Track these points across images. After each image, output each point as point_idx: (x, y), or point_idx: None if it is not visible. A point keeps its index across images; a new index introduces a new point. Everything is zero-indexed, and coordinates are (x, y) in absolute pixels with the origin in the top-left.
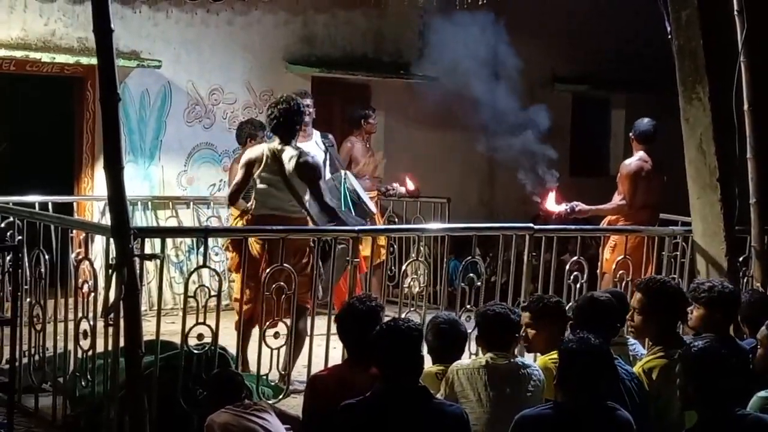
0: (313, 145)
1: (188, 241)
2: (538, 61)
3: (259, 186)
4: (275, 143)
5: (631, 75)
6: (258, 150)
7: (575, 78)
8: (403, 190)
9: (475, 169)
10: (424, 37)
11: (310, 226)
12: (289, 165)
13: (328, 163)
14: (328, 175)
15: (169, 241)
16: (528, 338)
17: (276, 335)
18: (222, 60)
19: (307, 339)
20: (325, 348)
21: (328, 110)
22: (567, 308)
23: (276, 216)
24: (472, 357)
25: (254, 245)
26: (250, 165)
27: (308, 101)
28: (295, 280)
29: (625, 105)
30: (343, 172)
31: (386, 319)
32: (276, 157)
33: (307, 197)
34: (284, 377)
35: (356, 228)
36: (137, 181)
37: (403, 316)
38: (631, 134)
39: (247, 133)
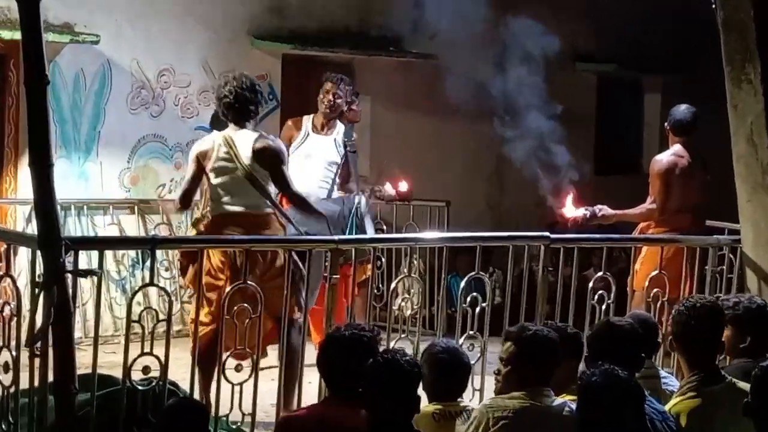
0: (329, 143)
1: (132, 253)
2: (557, 35)
3: (214, 182)
4: (228, 129)
5: (668, 52)
6: (208, 140)
7: (600, 56)
8: (393, 191)
9: (480, 167)
10: (419, 6)
11: (278, 228)
12: (245, 151)
13: (338, 169)
14: (336, 193)
15: (108, 253)
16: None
17: (238, 368)
18: (174, 34)
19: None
20: (298, 383)
21: (302, 95)
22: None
23: (237, 216)
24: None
25: (215, 253)
26: (200, 159)
27: (337, 90)
28: (260, 295)
29: (660, 88)
30: (357, 198)
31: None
32: (229, 144)
33: (272, 189)
34: (251, 417)
35: (335, 238)
36: (70, 181)
37: (392, 344)
38: (666, 124)
39: (224, 124)
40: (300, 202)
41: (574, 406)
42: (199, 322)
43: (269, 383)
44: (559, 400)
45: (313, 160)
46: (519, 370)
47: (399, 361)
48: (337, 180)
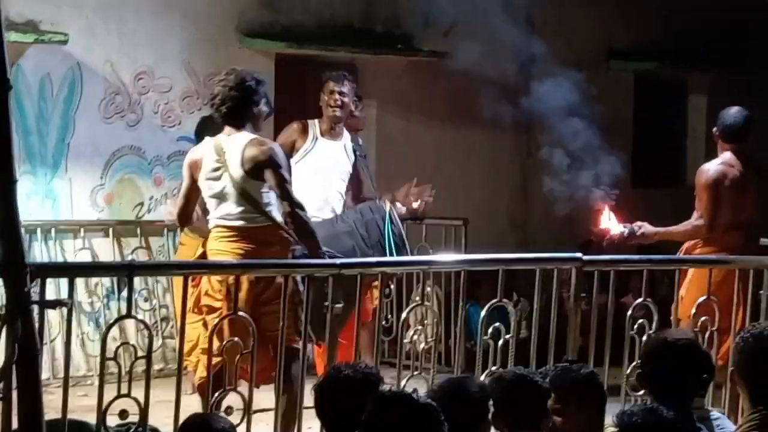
0: (340, 150)
1: (107, 282)
2: (589, 30)
3: (206, 194)
4: (221, 134)
5: (716, 48)
6: (200, 148)
7: (639, 52)
8: (403, 209)
9: (502, 180)
10: None
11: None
12: (234, 159)
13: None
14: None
15: (80, 282)
16: (555, 428)
17: (228, 410)
18: (152, 32)
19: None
20: (297, 429)
21: (298, 100)
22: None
23: (231, 231)
24: None
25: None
26: (192, 169)
27: (342, 87)
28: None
29: (707, 89)
30: (387, 204)
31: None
32: (219, 152)
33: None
34: None
35: (337, 262)
36: (36, 200)
37: (404, 382)
38: (714, 129)
39: (210, 134)
40: (298, 218)
41: None
42: (201, 350)
43: (263, 428)
44: None
45: (326, 173)
46: (504, 414)
47: (410, 399)
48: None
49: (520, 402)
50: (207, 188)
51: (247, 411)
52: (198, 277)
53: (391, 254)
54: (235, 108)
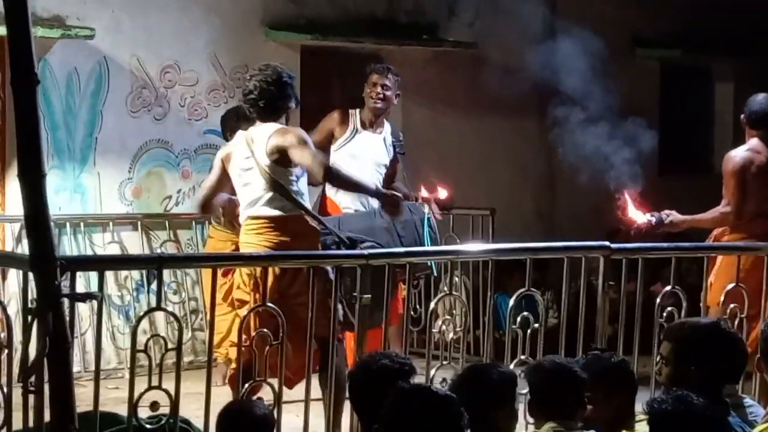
0: (379, 142)
1: (136, 275)
2: (614, 18)
3: (237, 186)
4: (252, 127)
5: (742, 35)
6: (233, 141)
7: (664, 40)
8: (430, 198)
9: (528, 170)
10: None
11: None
12: (261, 149)
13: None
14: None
15: (109, 275)
16: (586, 416)
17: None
18: (177, 26)
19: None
20: (303, 419)
21: (324, 91)
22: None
23: (261, 221)
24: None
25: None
26: (224, 162)
27: (386, 81)
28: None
29: (733, 76)
30: (426, 207)
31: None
32: (249, 143)
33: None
34: None
35: (365, 252)
36: (65, 195)
37: (433, 372)
38: (742, 116)
39: (231, 126)
40: (335, 179)
41: None
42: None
43: (293, 419)
44: None
45: (362, 160)
46: (542, 402)
47: (429, 391)
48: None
49: (557, 391)
50: (238, 179)
51: (278, 402)
52: (230, 270)
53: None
54: (271, 103)
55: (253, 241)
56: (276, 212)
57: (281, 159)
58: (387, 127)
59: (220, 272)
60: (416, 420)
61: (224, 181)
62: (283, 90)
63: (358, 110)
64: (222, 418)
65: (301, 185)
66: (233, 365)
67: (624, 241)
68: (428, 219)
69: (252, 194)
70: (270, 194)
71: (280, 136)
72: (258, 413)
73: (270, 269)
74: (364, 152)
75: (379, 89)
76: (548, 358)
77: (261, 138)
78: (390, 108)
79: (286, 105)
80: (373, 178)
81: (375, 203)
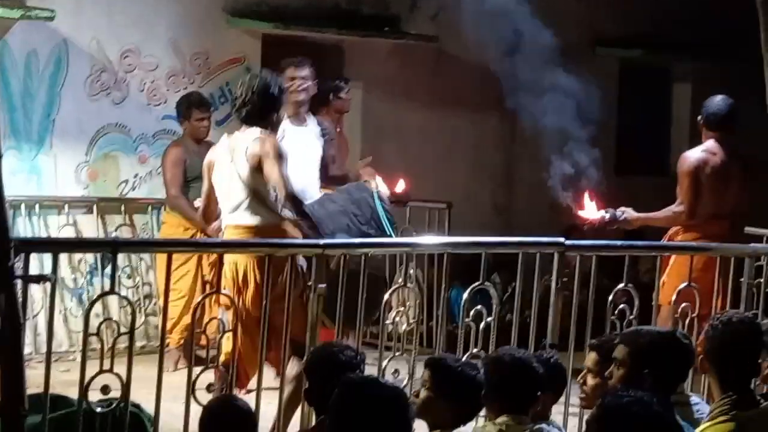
0: (309, 135)
1: (90, 258)
2: (575, 16)
3: (217, 192)
4: (237, 132)
5: (701, 37)
6: (217, 148)
7: (624, 40)
8: (387, 192)
9: (486, 165)
10: None
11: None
12: (240, 157)
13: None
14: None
15: (63, 258)
16: (587, 389)
17: (210, 388)
18: (139, 11)
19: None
20: (277, 407)
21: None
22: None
23: (240, 230)
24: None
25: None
26: (208, 169)
27: (303, 72)
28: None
29: (692, 77)
30: (372, 183)
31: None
32: (230, 150)
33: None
34: None
35: (321, 242)
36: (21, 176)
37: (385, 363)
38: (699, 117)
39: (181, 112)
40: (295, 203)
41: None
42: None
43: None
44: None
45: (295, 155)
46: (498, 395)
47: (377, 383)
48: None
49: (515, 385)
50: (219, 186)
51: (258, 386)
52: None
53: (388, 230)
54: (254, 112)
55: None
56: (254, 221)
57: (259, 167)
58: (311, 118)
59: (176, 259)
60: (364, 411)
61: (213, 188)
62: (266, 100)
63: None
64: (207, 413)
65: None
66: (222, 360)
67: (581, 239)
68: (377, 193)
69: (232, 201)
70: (248, 201)
71: (259, 144)
72: (244, 408)
73: (251, 275)
74: (296, 147)
75: (298, 81)
76: (508, 351)
77: (241, 145)
78: (309, 97)
79: (271, 117)
80: (309, 171)
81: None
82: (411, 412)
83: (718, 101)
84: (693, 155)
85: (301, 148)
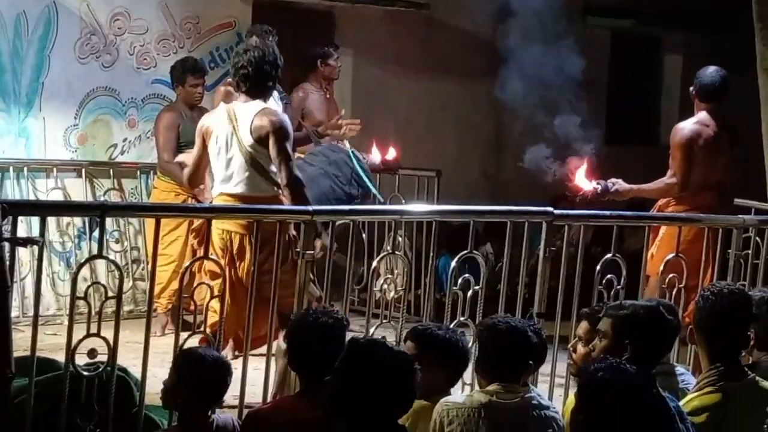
0: (272, 105)
1: (78, 222)
2: None
3: (213, 161)
4: (236, 101)
5: (693, 6)
6: (214, 114)
7: (615, 9)
8: (378, 159)
9: (476, 133)
10: None
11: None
12: (245, 128)
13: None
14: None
15: (51, 221)
16: (576, 357)
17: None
18: None
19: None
20: (264, 372)
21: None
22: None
23: (236, 199)
24: (466, 390)
25: (213, 239)
26: (203, 135)
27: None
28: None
29: (682, 48)
30: (346, 144)
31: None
32: (232, 119)
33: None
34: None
35: (310, 209)
36: (9, 139)
37: (372, 330)
38: (691, 88)
39: (175, 77)
40: (296, 189)
41: (555, 410)
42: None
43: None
44: (544, 401)
45: None
46: (490, 363)
47: (384, 345)
48: None
49: (510, 354)
50: (216, 154)
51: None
52: (179, 224)
53: (372, 188)
54: (263, 82)
55: (227, 219)
56: (251, 192)
57: (264, 140)
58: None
59: (166, 224)
60: (370, 374)
61: (206, 154)
62: (275, 70)
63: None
64: (180, 359)
65: None
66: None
67: (570, 208)
68: (353, 152)
69: (228, 170)
70: (248, 173)
71: (265, 117)
72: (215, 357)
73: (246, 244)
74: None
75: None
76: (503, 319)
77: (246, 115)
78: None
79: (273, 85)
80: None
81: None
82: (417, 377)
83: (711, 72)
84: (686, 127)
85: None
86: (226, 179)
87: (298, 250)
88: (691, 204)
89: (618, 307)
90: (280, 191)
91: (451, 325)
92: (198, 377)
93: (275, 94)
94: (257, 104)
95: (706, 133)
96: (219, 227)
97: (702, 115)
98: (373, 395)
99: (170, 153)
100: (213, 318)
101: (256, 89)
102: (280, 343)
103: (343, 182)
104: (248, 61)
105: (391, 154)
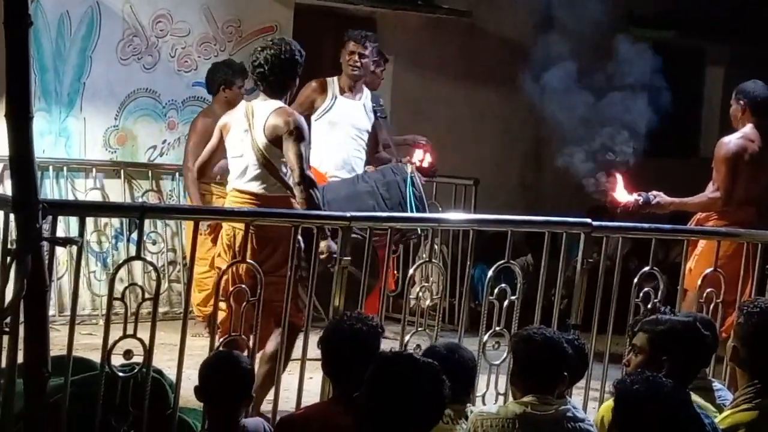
0: (359, 108)
1: (116, 223)
2: None
3: (229, 156)
4: (256, 99)
5: (737, 19)
6: (234, 111)
7: (658, 21)
8: (430, 161)
9: (515, 142)
10: None
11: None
12: (259, 126)
13: (366, 134)
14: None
15: (90, 221)
16: (631, 369)
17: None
18: None
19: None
20: (299, 378)
21: (316, 52)
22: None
23: (246, 195)
24: (500, 401)
25: (222, 236)
26: (222, 131)
27: (363, 49)
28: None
29: (726, 60)
30: (409, 167)
31: (386, 345)
32: (249, 117)
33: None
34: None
35: (347, 214)
36: (49, 138)
37: (407, 338)
38: (741, 101)
39: (221, 80)
40: (306, 189)
41: (590, 423)
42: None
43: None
44: (579, 413)
45: (342, 126)
46: (524, 374)
47: (413, 358)
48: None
49: (544, 366)
50: (232, 149)
51: (252, 355)
52: (215, 234)
53: None
54: (281, 80)
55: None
56: (261, 190)
57: (277, 140)
58: (366, 92)
59: (204, 236)
60: (399, 387)
61: (221, 149)
62: (294, 68)
63: (336, 77)
64: (206, 367)
65: None
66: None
67: (610, 220)
68: (411, 178)
69: (242, 166)
70: (259, 171)
71: (280, 117)
72: (243, 365)
73: (249, 242)
74: (344, 118)
75: (356, 57)
76: (538, 331)
77: (262, 114)
78: (367, 75)
79: (293, 83)
80: (355, 144)
81: (359, 167)
82: (446, 389)
83: (760, 86)
84: (732, 141)
85: (347, 119)
86: (239, 175)
87: (303, 264)
88: (732, 219)
89: (655, 322)
90: (289, 192)
91: (486, 336)
92: (212, 381)
93: (368, 104)
94: (274, 104)
95: (752, 148)
96: (225, 224)
97: (748, 129)
98: (399, 408)
99: (193, 161)
100: (220, 316)
101: (273, 88)
102: (266, 350)
103: (388, 206)
104: (265, 59)
105: (427, 160)
